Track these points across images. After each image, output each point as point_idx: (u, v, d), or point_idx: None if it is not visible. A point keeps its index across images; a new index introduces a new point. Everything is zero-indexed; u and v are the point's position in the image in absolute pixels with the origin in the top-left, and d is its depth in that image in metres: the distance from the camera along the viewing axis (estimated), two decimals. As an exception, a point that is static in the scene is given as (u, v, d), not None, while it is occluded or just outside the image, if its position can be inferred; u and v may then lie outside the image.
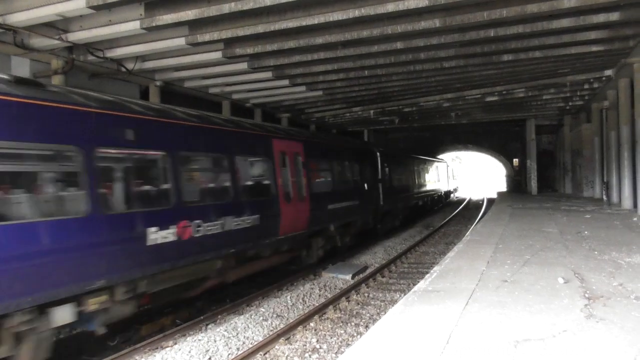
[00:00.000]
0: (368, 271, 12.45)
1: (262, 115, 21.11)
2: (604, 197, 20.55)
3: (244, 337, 7.80)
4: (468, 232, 14.21)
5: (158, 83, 15.30)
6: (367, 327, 8.02)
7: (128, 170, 7.34)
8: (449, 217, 26.49)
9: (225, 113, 18.58)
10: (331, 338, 7.68)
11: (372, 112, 23.62)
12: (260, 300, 9.81)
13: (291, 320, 8.35)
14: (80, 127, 6.32)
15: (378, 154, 18.45)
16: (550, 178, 34.81)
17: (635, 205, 16.08)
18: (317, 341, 7.53)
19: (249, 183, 10.20)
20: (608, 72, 16.92)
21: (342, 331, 8.00)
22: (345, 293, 9.97)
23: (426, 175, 29.33)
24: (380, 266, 12.79)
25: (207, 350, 7.20)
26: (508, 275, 7.17)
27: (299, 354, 7.02)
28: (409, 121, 28.10)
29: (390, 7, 9.62)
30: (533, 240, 10.53)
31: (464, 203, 38.00)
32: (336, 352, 7.05)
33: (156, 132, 7.59)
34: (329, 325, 8.31)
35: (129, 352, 7.02)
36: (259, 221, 9.50)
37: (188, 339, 7.65)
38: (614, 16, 10.74)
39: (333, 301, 9.38)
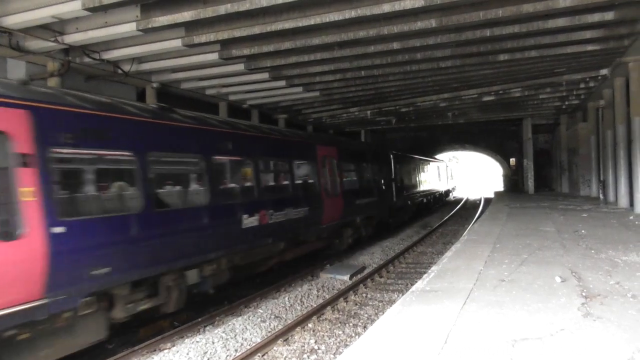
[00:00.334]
0: (366, 272, 12.44)
1: (259, 117, 21.05)
2: (601, 196, 20.63)
3: (242, 338, 7.79)
4: (465, 232, 14.23)
5: (155, 85, 15.26)
6: (365, 327, 8.02)
7: (236, 171, 10.18)
8: (446, 216, 26.51)
9: (222, 115, 18.54)
10: (329, 339, 7.68)
11: (369, 112, 23.66)
12: (258, 301, 9.81)
13: (289, 322, 8.35)
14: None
15: (391, 156, 20.52)
16: (547, 177, 34.90)
17: (631, 203, 16.12)
18: (316, 342, 7.53)
19: (301, 181, 12.48)
20: (604, 71, 16.95)
21: (341, 332, 8.00)
22: (343, 294, 9.96)
23: (429, 175, 30.85)
24: (378, 266, 12.79)
25: (206, 352, 7.19)
26: (505, 275, 7.18)
27: (297, 355, 7.02)
28: (406, 121, 28.11)
29: (386, 8, 9.63)
30: (530, 239, 10.54)
31: (461, 203, 38.01)
32: (334, 353, 7.05)
33: (249, 145, 10.09)
34: (327, 326, 8.31)
35: (127, 354, 7.01)
36: (308, 212, 11.72)
37: (186, 341, 7.64)
38: (609, 15, 10.78)
39: (331, 302, 9.38)
